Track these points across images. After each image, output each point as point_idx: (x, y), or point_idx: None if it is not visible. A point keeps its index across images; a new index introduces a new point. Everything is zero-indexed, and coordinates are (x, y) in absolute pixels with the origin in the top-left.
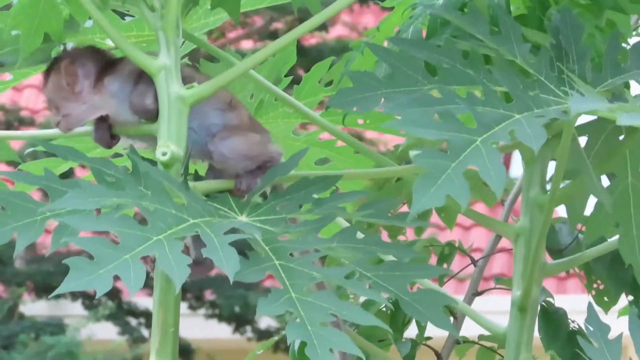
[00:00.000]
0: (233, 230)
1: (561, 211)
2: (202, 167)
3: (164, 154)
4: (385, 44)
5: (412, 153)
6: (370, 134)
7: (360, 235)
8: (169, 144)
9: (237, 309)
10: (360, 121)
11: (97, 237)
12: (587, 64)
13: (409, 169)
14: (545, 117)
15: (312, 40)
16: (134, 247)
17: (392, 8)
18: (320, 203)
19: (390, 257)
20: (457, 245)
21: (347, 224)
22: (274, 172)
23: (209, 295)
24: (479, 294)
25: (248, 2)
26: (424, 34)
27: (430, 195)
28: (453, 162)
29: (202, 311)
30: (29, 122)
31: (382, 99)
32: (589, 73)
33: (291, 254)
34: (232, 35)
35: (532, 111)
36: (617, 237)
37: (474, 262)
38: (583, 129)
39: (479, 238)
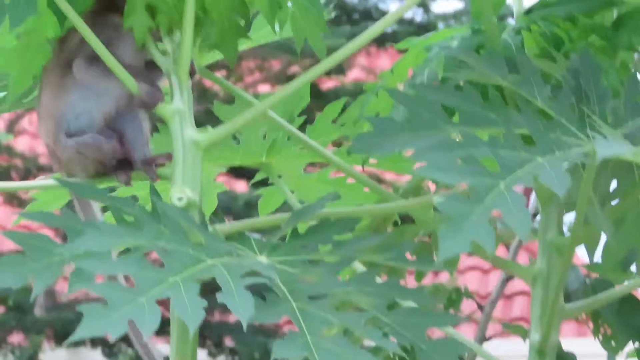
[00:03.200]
0: (251, 273)
1: None
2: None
3: (180, 199)
4: (400, 86)
5: (436, 199)
6: (388, 175)
7: (379, 279)
8: (185, 189)
9: (256, 355)
10: (373, 161)
11: (111, 282)
12: (607, 105)
13: (422, 203)
14: (567, 161)
15: (329, 84)
16: (149, 289)
17: (406, 50)
18: (341, 245)
19: (409, 303)
20: (463, 290)
21: (364, 268)
22: (299, 214)
23: (228, 341)
24: (487, 339)
25: (259, 37)
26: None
27: (456, 241)
28: (477, 207)
29: (221, 358)
30: (49, 170)
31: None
32: (610, 114)
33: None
34: (249, 79)
35: (554, 154)
36: (626, 283)
37: (480, 307)
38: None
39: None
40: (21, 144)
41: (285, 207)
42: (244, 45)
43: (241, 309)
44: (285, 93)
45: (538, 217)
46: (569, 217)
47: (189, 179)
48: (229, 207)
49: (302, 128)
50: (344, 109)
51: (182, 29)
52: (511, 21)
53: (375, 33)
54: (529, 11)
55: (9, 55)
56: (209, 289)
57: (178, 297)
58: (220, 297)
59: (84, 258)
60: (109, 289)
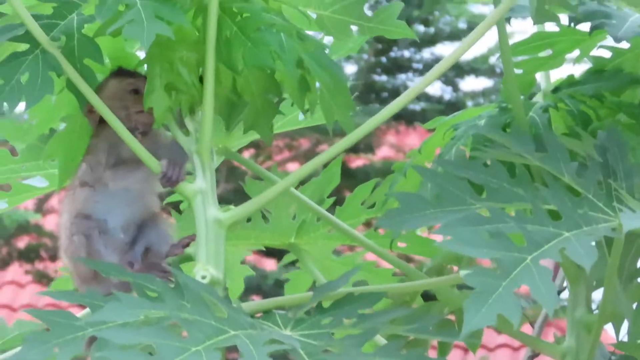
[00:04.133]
0: (273, 341)
1: None
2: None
3: (204, 277)
4: (428, 165)
5: (462, 273)
6: (417, 258)
7: (403, 350)
8: (208, 267)
9: None
10: (402, 244)
11: (133, 351)
12: (635, 181)
13: (446, 281)
14: (594, 235)
15: (358, 162)
16: (171, 358)
17: (434, 129)
18: (365, 318)
19: None
20: None
21: (385, 341)
22: (324, 289)
23: None
24: None
25: (289, 122)
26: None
27: (482, 315)
28: (504, 281)
29: None
30: None
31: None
32: (637, 190)
33: None
34: (278, 157)
35: (581, 229)
36: None
37: None
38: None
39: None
40: (50, 223)
41: (312, 288)
42: (274, 129)
43: None
44: (309, 169)
45: (564, 294)
46: (597, 295)
47: (213, 257)
48: (259, 286)
49: (332, 208)
50: (374, 189)
51: (203, 108)
52: (539, 99)
53: (396, 108)
54: (556, 89)
55: (55, 140)
56: None
57: None
58: None
59: (107, 330)
60: (131, 358)
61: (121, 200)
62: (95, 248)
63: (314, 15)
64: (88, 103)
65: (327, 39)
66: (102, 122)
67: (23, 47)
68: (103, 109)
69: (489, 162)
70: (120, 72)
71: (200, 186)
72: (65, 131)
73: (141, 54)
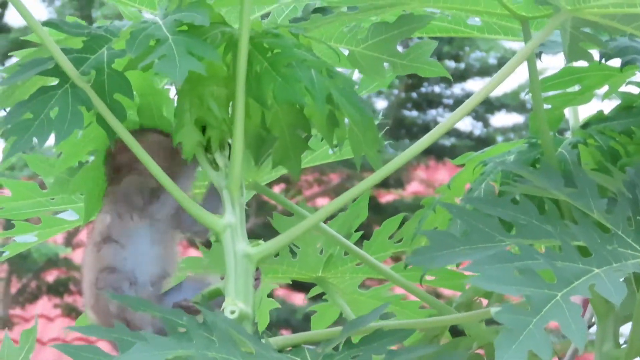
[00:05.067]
0: None
1: None
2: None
3: (233, 312)
4: (457, 201)
5: (493, 310)
6: (447, 292)
7: None
8: (237, 302)
9: None
10: (431, 278)
11: None
12: None
13: (475, 316)
14: (624, 271)
15: (388, 197)
16: None
17: (464, 165)
18: (394, 355)
19: None
20: None
21: None
22: (353, 325)
23: None
24: None
25: (318, 157)
26: (496, 190)
27: (513, 352)
28: (534, 318)
29: None
30: None
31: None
32: None
33: None
34: (308, 192)
35: (610, 265)
36: None
37: None
38: None
39: None
40: (79, 256)
41: (341, 321)
42: (303, 164)
43: None
44: (338, 205)
45: (592, 329)
46: (625, 329)
47: (242, 291)
48: (288, 320)
49: (359, 242)
50: (402, 224)
51: (233, 144)
52: (568, 135)
53: (426, 144)
54: (585, 125)
55: (81, 175)
56: None
57: None
58: None
59: None
60: None
61: (148, 254)
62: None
63: (345, 52)
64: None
65: (356, 75)
66: (118, 170)
67: (52, 81)
68: (138, 150)
69: (518, 198)
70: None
71: (229, 221)
72: (92, 165)
73: (168, 87)
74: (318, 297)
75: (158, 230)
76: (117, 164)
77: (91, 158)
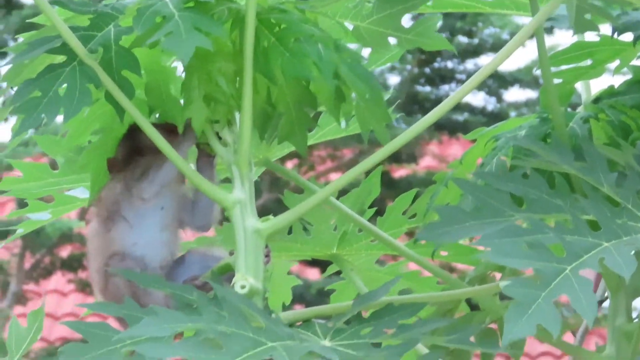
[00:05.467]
0: (311, 354)
1: None
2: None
3: (243, 287)
4: (469, 176)
5: (502, 284)
6: (461, 266)
7: None
8: (247, 277)
9: None
10: (444, 253)
11: None
12: None
13: (487, 290)
14: (634, 245)
15: (401, 172)
16: None
17: (476, 140)
18: (405, 329)
19: None
20: None
21: (426, 351)
22: (364, 299)
23: None
24: None
25: (329, 132)
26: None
27: (522, 325)
28: (543, 292)
29: None
30: None
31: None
32: None
33: None
34: (321, 168)
35: (620, 239)
36: None
37: None
38: None
39: None
40: None
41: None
42: (313, 140)
43: None
44: (348, 179)
45: (605, 304)
46: (639, 303)
47: (252, 267)
48: (302, 295)
49: (373, 219)
50: (415, 199)
51: (241, 119)
52: (580, 110)
53: (435, 118)
54: (596, 100)
55: (87, 152)
56: None
57: None
58: None
59: (144, 343)
60: None
61: (157, 239)
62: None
63: (350, 27)
64: (111, 160)
65: (366, 50)
66: (131, 154)
67: (60, 59)
68: (149, 130)
69: (528, 172)
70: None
71: (238, 197)
72: (99, 143)
73: (175, 65)
74: (334, 275)
75: (167, 215)
76: (131, 148)
77: (96, 137)
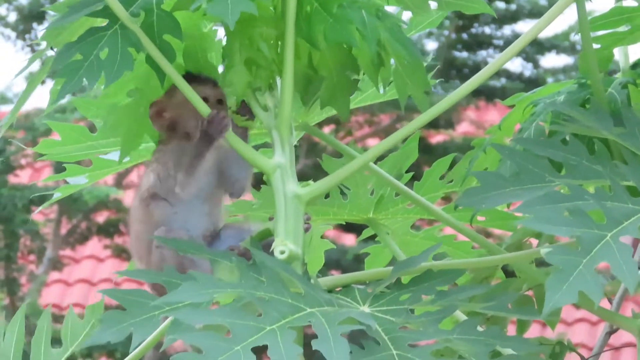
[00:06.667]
0: (349, 320)
1: None
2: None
3: (282, 252)
4: (507, 141)
5: (543, 251)
6: (497, 231)
7: (480, 328)
8: (287, 242)
9: None
10: (481, 218)
11: (208, 332)
12: None
13: (525, 256)
14: None
15: (438, 138)
16: (246, 338)
17: (514, 106)
18: (443, 295)
19: (509, 351)
20: (566, 343)
21: (465, 318)
22: (403, 265)
23: None
24: None
25: (368, 97)
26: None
27: (563, 293)
28: (584, 259)
29: None
30: None
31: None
32: None
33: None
34: (358, 133)
35: None
36: None
37: None
38: None
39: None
40: (129, 198)
41: (394, 262)
42: (352, 104)
43: (336, 355)
44: (387, 145)
45: None
46: None
47: (291, 232)
48: (338, 261)
49: (410, 184)
50: (452, 165)
51: (282, 84)
52: (618, 76)
53: (474, 85)
54: (635, 65)
55: (119, 113)
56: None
57: (274, 345)
58: (315, 344)
59: (181, 310)
60: (205, 339)
61: (197, 210)
62: (188, 257)
63: None
64: (155, 106)
65: (405, 16)
66: (171, 129)
67: (101, 22)
68: (182, 91)
69: (567, 138)
70: (192, 79)
71: (279, 161)
72: (131, 105)
73: (216, 29)
74: (370, 239)
75: (205, 188)
76: (170, 123)
77: (129, 99)
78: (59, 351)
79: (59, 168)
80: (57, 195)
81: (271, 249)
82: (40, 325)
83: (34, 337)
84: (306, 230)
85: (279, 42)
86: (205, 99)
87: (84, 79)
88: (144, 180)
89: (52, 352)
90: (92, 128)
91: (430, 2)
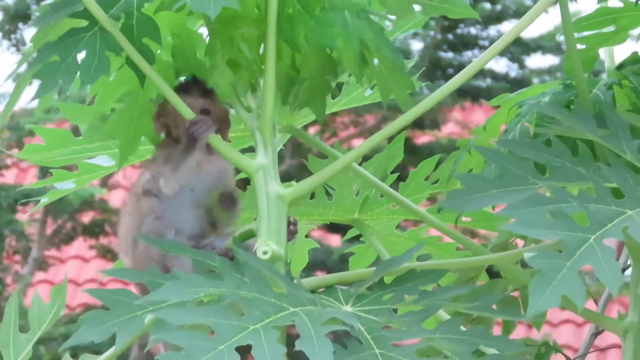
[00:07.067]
0: (332, 320)
1: None
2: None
3: (265, 252)
4: (493, 141)
5: (527, 255)
6: (482, 231)
7: (463, 327)
8: (269, 242)
9: None
10: (466, 219)
11: (192, 331)
12: None
13: (509, 257)
14: None
15: (424, 138)
16: (230, 337)
17: (499, 106)
18: (427, 295)
19: (493, 351)
20: (552, 344)
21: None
22: (386, 265)
23: None
24: None
25: (352, 99)
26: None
27: (547, 296)
28: (568, 262)
29: None
30: None
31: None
32: None
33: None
34: (344, 134)
35: None
36: None
37: None
38: None
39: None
40: (115, 198)
41: (378, 262)
42: (337, 107)
43: (320, 355)
44: (371, 145)
45: (628, 272)
46: None
47: (274, 232)
48: (324, 262)
49: (395, 184)
50: (437, 165)
51: (264, 84)
52: (604, 76)
53: (457, 84)
54: (620, 66)
55: (115, 118)
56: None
57: (258, 344)
58: (298, 344)
59: (165, 309)
60: (189, 338)
61: (186, 211)
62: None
63: None
64: (158, 110)
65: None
66: (166, 132)
67: (81, 23)
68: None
69: (552, 139)
70: (186, 88)
71: (261, 162)
72: (126, 109)
73: (202, 31)
74: (355, 239)
75: (198, 196)
76: (165, 126)
77: (122, 105)
78: (27, 336)
79: (44, 169)
80: (44, 200)
81: (254, 249)
82: (7, 311)
83: (3, 322)
84: (293, 234)
85: (262, 43)
86: (206, 111)
87: (60, 81)
88: (139, 178)
89: (21, 337)
90: (75, 131)
91: (414, 6)
